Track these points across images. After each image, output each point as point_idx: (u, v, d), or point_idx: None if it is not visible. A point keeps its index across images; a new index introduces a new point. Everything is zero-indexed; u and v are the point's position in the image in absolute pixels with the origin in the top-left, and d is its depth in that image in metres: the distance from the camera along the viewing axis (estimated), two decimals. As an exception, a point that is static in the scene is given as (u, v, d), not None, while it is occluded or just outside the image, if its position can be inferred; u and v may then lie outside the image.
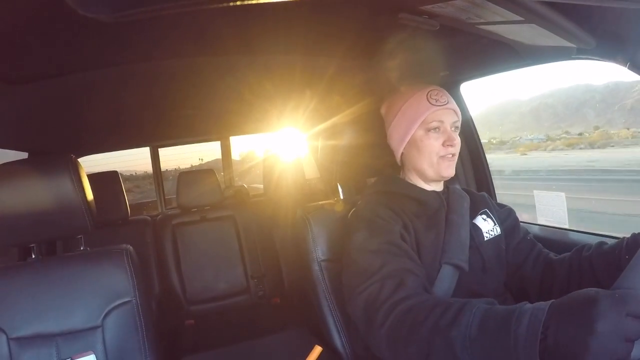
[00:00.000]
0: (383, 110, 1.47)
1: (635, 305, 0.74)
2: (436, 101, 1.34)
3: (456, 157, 1.38)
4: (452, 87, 2.01)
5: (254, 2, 0.72)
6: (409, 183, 1.42)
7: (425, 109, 1.34)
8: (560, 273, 1.35)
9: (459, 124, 1.39)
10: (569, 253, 1.38)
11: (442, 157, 1.34)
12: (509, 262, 1.45)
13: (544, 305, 0.85)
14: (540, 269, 1.41)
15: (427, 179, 1.41)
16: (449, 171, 1.36)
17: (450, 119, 1.35)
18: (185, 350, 2.45)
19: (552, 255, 1.43)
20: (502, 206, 1.56)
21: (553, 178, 8.03)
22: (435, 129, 1.34)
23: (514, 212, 1.54)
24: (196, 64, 1.68)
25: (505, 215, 1.51)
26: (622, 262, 1.17)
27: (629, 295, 0.75)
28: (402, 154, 1.42)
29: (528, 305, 0.88)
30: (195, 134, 3.83)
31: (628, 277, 0.79)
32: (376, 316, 1.11)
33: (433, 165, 1.35)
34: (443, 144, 1.34)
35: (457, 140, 1.35)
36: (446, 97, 1.37)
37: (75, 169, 1.45)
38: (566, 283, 1.32)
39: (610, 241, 1.31)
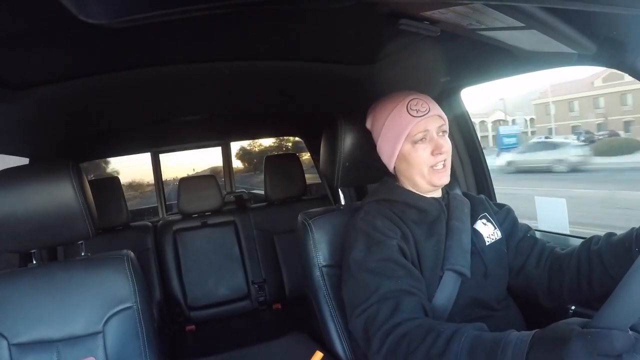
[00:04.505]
0: (368, 125, 1.47)
1: (606, 346, 0.74)
2: (417, 112, 1.33)
3: (449, 164, 1.37)
4: (452, 93, 2.01)
5: (254, 7, 0.72)
6: (409, 191, 1.41)
7: (408, 123, 1.33)
8: (569, 270, 1.33)
9: (445, 127, 1.37)
10: (576, 247, 1.36)
11: (433, 167, 1.34)
12: (512, 263, 1.44)
13: (527, 337, 0.88)
14: (546, 266, 1.39)
15: (421, 190, 1.40)
16: (442, 181, 1.36)
17: (434, 125, 1.34)
18: (186, 356, 2.45)
19: (558, 249, 1.41)
20: (500, 206, 1.55)
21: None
22: (421, 139, 1.33)
23: (512, 211, 1.53)
24: (195, 69, 1.68)
25: (503, 216, 1.50)
26: (633, 255, 1.14)
27: (602, 335, 0.75)
28: (394, 167, 1.42)
29: (512, 336, 0.90)
30: (196, 140, 3.84)
31: (604, 314, 0.78)
32: (372, 342, 1.14)
33: (424, 176, 1.35)
34: (432, 153, 1.33)
35: (446, 147, 1.34)
36: (427, 104, 1.35)
37: (76, 175, 1.45)
38: (576, 280, 1.31)
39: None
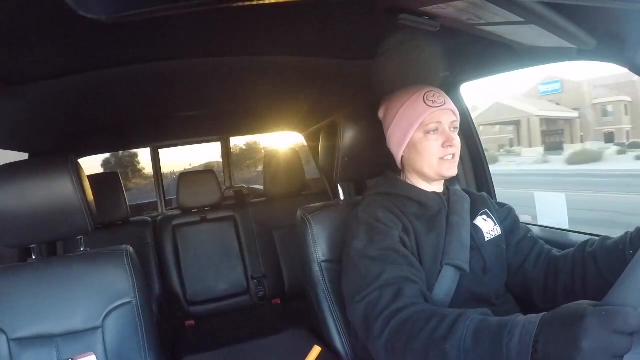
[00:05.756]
0: (381, 114, 1.47)
1: (621, 322, 0.74)
2: (433, 102, 1.34)
3: (457, 157, 1.37)
4: (452, 88, 2.01)
5: (254, 3, 0.72)
6: (410, 184, 1.42)
7: (423, 111, 1.34)
8: (564, 271, 1.34)
9: (457, 124, 1.39)
10: (572, 249, 1.37)
11: (442, 158, 1.34)
12: (510, 262, 1.45)
13: (535, 318, 0.86)
14: (543, 266, 1.40)
15: (428, 180, 1.41)
16: (451, 171, 1.36)
17: (448, 119, 1.35)
18: (186, 351, 2.45)
19: (555, 251, 1.43)
20: (501, 205, 1.55)
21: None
22: (434, 130, 1.34)
23: (514, 211, 1.54)
24: (196, 65, 1.68)
25: (505, 215, 1.51)
26: (627, 258, 1.16)
27: (616, 312, 0.75)
28: (403, 156, 1.42)
29: (520, 318, 0.89)
30: (196, 135, 3.83)
31: (617, 292, 0.78)
32: (374, 326, 1.12)
33: (433, 167, 1.35)
34: (442, 145, 1.34)
35: (457, 140, 1.35)
36: (443, 97, 1.37)
37: (76, 170, 1.45)
38: (571, 281, 1.31)
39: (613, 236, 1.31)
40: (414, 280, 1.19)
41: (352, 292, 1.24)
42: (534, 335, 0.83)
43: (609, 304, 0.78)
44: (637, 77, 1.20)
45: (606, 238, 1.30)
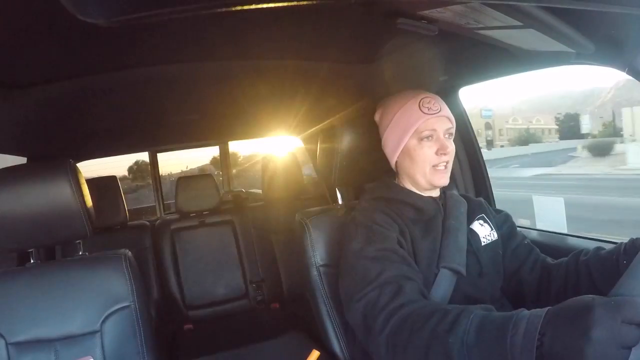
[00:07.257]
0: (377, 118, 1.47)
1: (631, 312, 0.73)
2: (428, 109, 1.34)
3: (450, 166, 1.37)
4: (450, 92, 2.01)
5: (252, 7, 0.72)
6: (406, 189, 1.42)
7: (417, 118, 1.33)
8: (557, 278, 1.34)
9: (452, 131, 1.38)
10: (566, 258, 1.37)
11: (435, 167, 1.34)
12: (506, 268, 1.44)
13: (541, 312, 0.84)
14: (537, 273, 1.40)
15: (420, 188, 1.41)
16: (442, 181, 1.36)
17: (443, 126, 1.35)
18: (184, 355, 2.44)
19: (549, 260, 1.43)
20: (498, 211, 1.56)
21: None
22: (428, 137, 1.34)
23: (511, 217, 1.54)
24: (194, 69, 1.68)
25: (502, 221, 1.51)
26: (620, 267, 1.16)
27: (625, 302, 0.74)
28: (397, 162, 1.42)
29: (525, 312, 0.87)
30: (194, 139, 3.83)
31: (625, 283, 0.78)
32: (375, 323, 1.10)
33: (426, 175, 1.35)
34: (436, 153, 1.33)
35: (451, 148, 1.35)
36: (439, 104, 1.36)
37: (74, 174, 1.45)
38: (563, 288, 1.32)
39: (608, 246, 1.31)
40: (413, 278, 1.18)
41: (350, 292, 1.23)
42: (539, 329, 0.81)
43: (617, 295, 0.78)
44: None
45: (600, 248, 1.31)
